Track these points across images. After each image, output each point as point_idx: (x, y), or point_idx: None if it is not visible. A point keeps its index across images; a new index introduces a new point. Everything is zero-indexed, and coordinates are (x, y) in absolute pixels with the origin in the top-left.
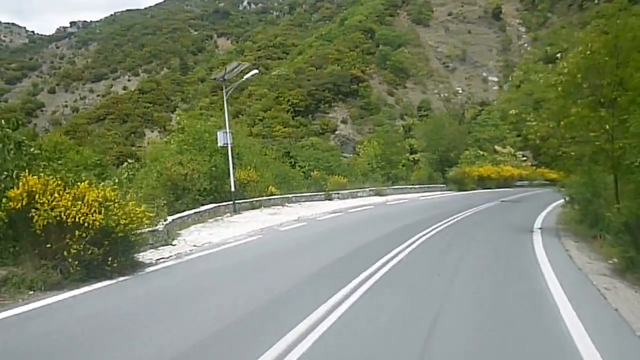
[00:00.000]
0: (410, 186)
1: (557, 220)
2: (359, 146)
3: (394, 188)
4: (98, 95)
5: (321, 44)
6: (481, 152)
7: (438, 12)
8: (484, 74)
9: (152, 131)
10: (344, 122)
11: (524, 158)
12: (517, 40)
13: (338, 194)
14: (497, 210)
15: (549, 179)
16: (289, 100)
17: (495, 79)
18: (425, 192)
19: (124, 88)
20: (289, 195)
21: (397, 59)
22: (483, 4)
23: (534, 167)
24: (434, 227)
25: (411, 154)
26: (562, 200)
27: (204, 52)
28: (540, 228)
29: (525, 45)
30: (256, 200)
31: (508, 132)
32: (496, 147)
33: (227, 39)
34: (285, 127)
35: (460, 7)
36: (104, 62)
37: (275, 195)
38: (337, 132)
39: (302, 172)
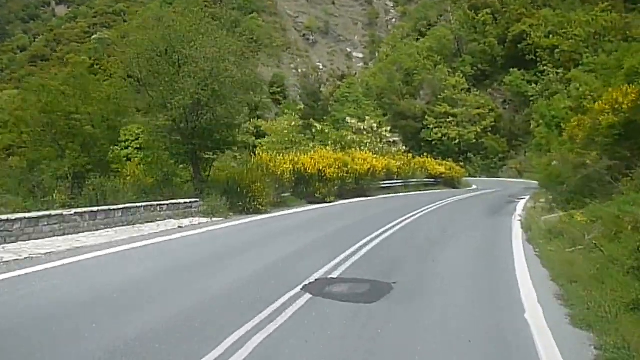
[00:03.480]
0: (99, 208)
1: None
2: None
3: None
4: None
5: (160, 5)
6: (319, 126)
7: None
8: (348, 49)
9: None
10: None
11: (393, 138)
12: (384, 14)
13: None
14: None
15: (434, 175)
16: (106, 70)
17: (361, 55)
18: (127, 226)
19: None
20: None
21: (248, 26)
22: None
23: (409, 156)
24: None
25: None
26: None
27: (38, 20)
28: None
29: (394, 20)
30: None
31: (372, 110)
32: (348, 118)
33: (68, 7)
34: None
35: None
36: None
37: None
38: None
39: None
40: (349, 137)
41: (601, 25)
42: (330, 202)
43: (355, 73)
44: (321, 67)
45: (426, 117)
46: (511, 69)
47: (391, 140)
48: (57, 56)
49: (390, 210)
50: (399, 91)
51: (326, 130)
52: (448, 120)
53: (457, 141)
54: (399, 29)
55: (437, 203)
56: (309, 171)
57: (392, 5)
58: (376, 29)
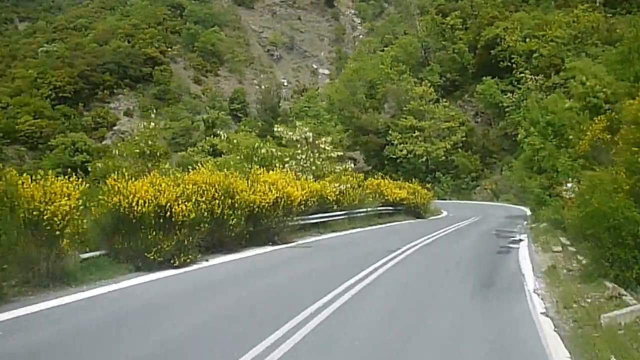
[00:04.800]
0: None
1: None
2: None
3: None
4: None
5: (118, 18)
6: (223, 134)
7: None
8: (314, 66)
9: None
10: (128, 114)
11: (337, 153)
12: (351, 30)
13: None
14: None
15: (392, 202)
16: (50, 83)
17: (327, 71)
18: None
19: None
20: None
21: (209, 40)
22: None
23: (359, 177)
24: None
25: None
26: None
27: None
28: None
29: (360, 36)
30: None
31: (334, 126)
32: (277, 127)
33: (33, 24)
34: (37, 119)
35: None
36: None
37: None
38: (116, 127)
39: None
40: (263, 150)
41: (584, 26)
42: (184, 264)
43: (318, 88)
44: (285, 83)
45: (390, 131)
46: (484, 78)
47: (334, 155)
48: (11, 72)
49: (292, 284)
50: (362, 104)
51: (235, 140)
52: (414, 134)
53: (424, 159)
54: (365, 44)
55: (386, 257)
56: (140, 209)
57: (359, 21)
58: (343, 45)
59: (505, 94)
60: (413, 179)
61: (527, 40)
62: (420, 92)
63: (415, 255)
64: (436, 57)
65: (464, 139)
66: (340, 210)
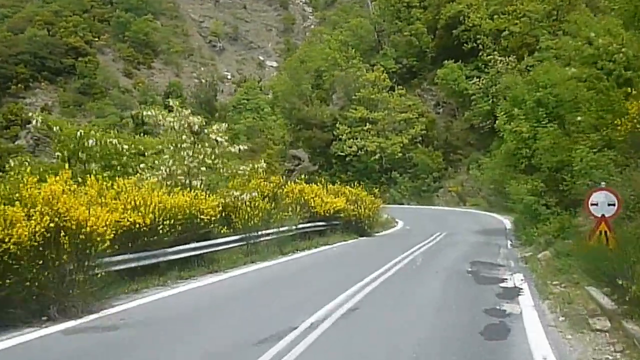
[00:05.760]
0: None
1: None
2: None
3: None
4: None
5: (39, 5)
6: (37, 117)
7: None
8: (261, 58)
9: None
10: (46, 110)
11: (238, 146)
12: (302, 20)
13: None
14: None
15: (324, 216)
16: None
17: (274, 63)
18: None
19: None
20: None
21: (141, 29)
22: None
23: (276, 179)
24: None
25: None
26: None
27: None
28: None
29: (312, 26)
30: None
31: (275, 120)
32: (146, 109)
33: None
34: None
35: None
36: None
37: None
38: (30, 126)
39: None
40: (91, 141)
41: (560, 0)
42: None
43: (260, 80)
44: (229, 76)
45: (337, 125)
46: (445, 62)
47: (233, 150)
48: None
49: None
50: (307, 96)
51: (55, 128)
52: (365, 128)
53: (377, 156)
54: (316, 34)
55: None
56: None
57: (310, 10)
58: (292, 35)
59: (471, 80)
60: (365, 180)
61: (495, 17)
62: (372, 79)
63: (320, 355)
64: (391, 41)
65: (424, 132)
66: (237, 235)
